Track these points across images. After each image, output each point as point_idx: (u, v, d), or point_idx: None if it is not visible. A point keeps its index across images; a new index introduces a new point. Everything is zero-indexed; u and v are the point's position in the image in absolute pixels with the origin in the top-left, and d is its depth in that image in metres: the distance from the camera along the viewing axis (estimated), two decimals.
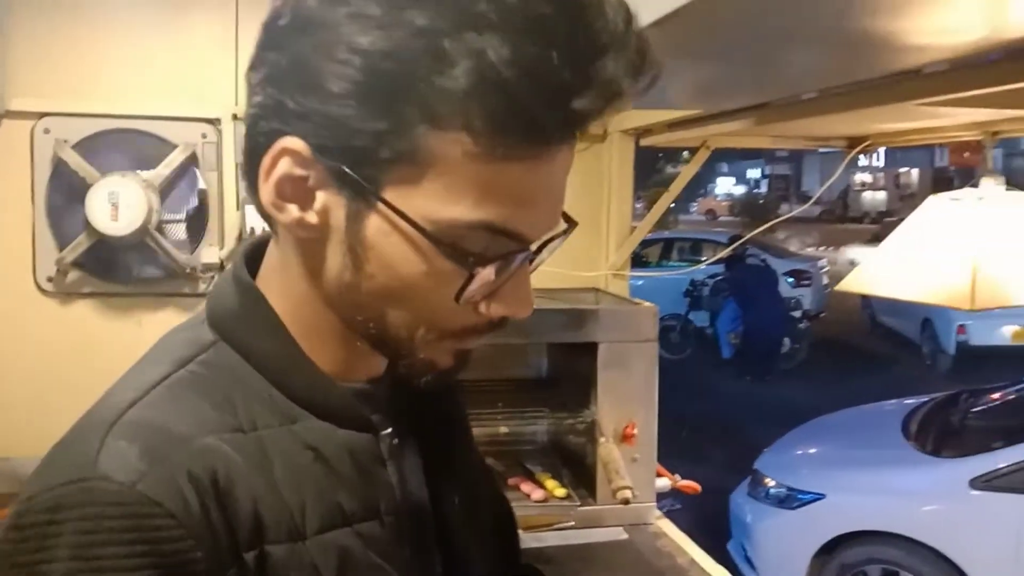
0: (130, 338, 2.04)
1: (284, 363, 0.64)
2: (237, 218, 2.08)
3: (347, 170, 0.56)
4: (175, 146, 2.04)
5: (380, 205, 0.56)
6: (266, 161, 0.58)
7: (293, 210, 0.59)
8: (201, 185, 2.07)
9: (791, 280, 10.80)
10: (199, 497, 0.55)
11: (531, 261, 0.61)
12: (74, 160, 1.97)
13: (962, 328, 8.74)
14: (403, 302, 0.60)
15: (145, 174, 2.01)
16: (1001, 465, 3.61)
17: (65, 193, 2.02)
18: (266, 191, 0.59)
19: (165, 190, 2.04)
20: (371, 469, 0.66)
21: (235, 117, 2.05)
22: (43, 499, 0.54)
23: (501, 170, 0.55)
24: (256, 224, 2.05)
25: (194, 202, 2.07)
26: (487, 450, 2.20)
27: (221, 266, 2.06)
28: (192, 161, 2.05)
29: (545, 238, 0.61)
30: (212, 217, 2.09)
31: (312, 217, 0.59)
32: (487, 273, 0.58)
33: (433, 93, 0.52)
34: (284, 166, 0.57)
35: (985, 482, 3.61)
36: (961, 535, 3.65)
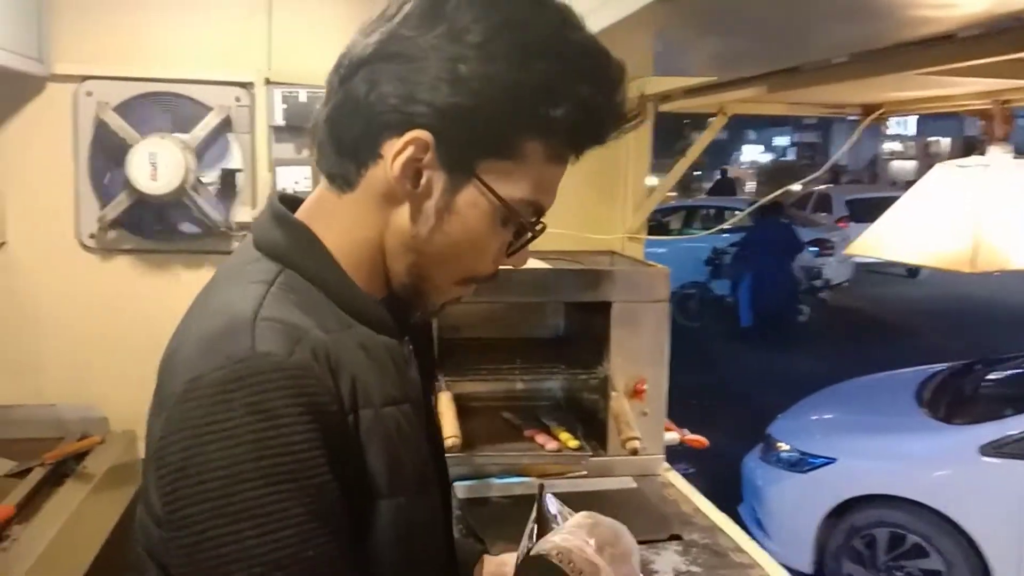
0: (167, 293, 2.15)
1: (338, 285, 0.82)
2: (268, 178, 2.17)
3: (455, 158, 0.78)
4: (210, 109, 2.13)
5: (476, 182, 0.79)
6: (398, 144, 0.77)
7: (407, 185, 0.79)
8: (234, 148, 2.16)
9: (815, 249, 10.75)
10: (329, 368, 0.74)
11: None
12: (115, 122, 2.07)
13: None
14: (459, 254, 0.83)
15: (182, 136, 2.10)
16: (1011, 432, 3.66)
17: (106, 153, 2.12)
18: (395, 167, 0.78)
19: (201, 151, 2.14)
20: (402, 366, 0.85)
21: (267, 81, 2.14)
22: (214, 376, 0.71)
23: (552, 169, 0.82)
24: (287, 184, 2.14)
25: (228, 164, 2.16)
26: (505, 404, 2.30)
27: None
28: (226, 124, 2.14)
29: (550, 206, 0.85)
30: (244, 178, 2.18)
31: (415, 187, 0.79)
32: (535, 231, 0.84)
33: (540, 120, 0.77)
34: (410, 152, 0.77)
35: (995, 448, 3.65)
36: (969, 500, 3.71)
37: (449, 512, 1.00)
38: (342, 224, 0.83)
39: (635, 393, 1.96)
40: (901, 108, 2.11)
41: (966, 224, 1.59)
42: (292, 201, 0.89)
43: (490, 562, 1.22)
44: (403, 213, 0.81)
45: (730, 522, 1.80)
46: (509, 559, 1.19)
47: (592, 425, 2.10)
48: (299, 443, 0.70)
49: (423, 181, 0.79)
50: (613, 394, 1.94)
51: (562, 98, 0.77)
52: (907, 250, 1.71)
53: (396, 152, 0.77)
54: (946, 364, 4.87)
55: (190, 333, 0.78)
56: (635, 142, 2.35)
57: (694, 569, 1.56)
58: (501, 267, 0.87)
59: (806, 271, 9.96)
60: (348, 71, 0.80)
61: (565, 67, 0.77)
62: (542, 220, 0.85)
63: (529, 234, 0.85)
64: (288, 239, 0.83)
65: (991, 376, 4.45)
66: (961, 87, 1.72)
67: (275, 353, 0.71)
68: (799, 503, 4.13)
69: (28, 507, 1.70)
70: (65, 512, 1.73)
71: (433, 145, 0.77)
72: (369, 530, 0.77)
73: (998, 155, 1.70)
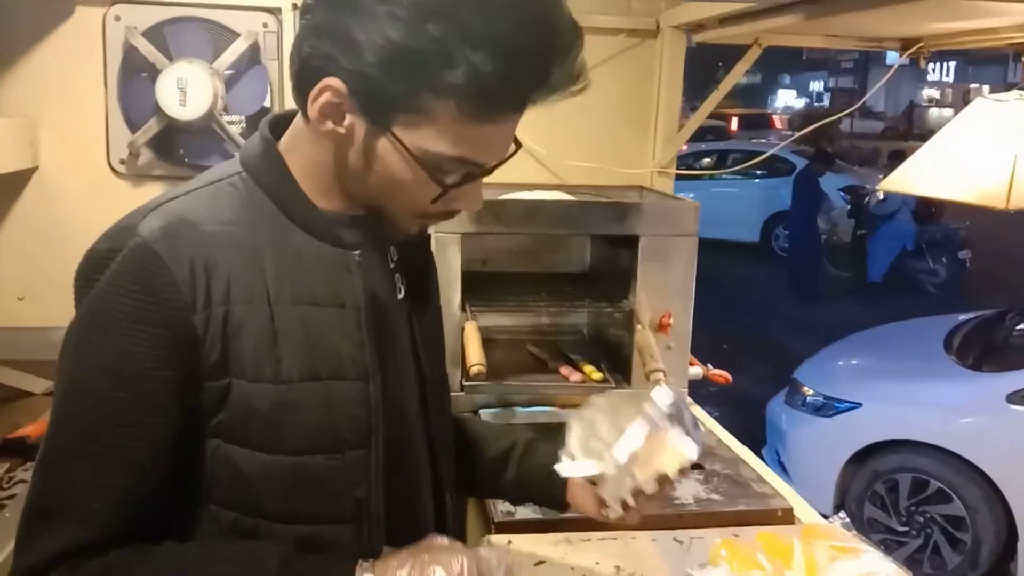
0: None
1: (286, 192, 0.91)
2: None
3: (369, 109, 0.83)
4: (238, 35, 2.12)
5: (389, 135, 0.83)
6: (314, 91, 0.83)
7: (329, 124, 0.85)
8: (262, 74, 2.15)
9: (847, 197, 10.58)
10: (190, 262, 0.83)
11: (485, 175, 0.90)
12: (144, 46, 2.06)
13: None
14: (393, 195, 0.88)
15: (211, 62, 2.09)
16: None
17: (135, 79, 2.12)
18: (312, 109, 0.84)
19: (229, 77, 2.13)
20: (340, 274, 0.91)
21: (294, 7, 2.11)
22: (100, 244, 0.86)
23: (474, 127, 0.83)
24: None
25: (256, 90, 2.16)
26: (530, 338, 2.31)
27: None
28: (254, 50, 2.13)
29: (496, 160, 0.88)
30: (272, 103, 2.18)
31: (341, 129, 0.85)
32: (452, 185, 0.87)
33: (439, 79, 0.78)
34: (327, 96, 0.83)
35: (1023, 397, 3.63)
36: (994, 447, 3.69)
37: (424, 405, 1.03)
38: (303, 147, 0.91)
39: (660, 326, 1.96)
40: (941, 42, 2.05)
41: (1002, 160, 1.56)
42: (289, 118, 0.95)
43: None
44: (342, 150, 0.87)
45: (752, 455, 1.81)
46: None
47: (616, 359, 2.11)
48: (127, 315, 0.81)
49: (346, 123, 0.84)
50: (638, 327, 1.94)
51: (457, 62, 0.78)
52: (941, 186, 1.68)
53: (314, 96, 0.83)
54: (976, 312, 4.81)
55: None
56: (667, 74, 2.31)
57: (715, 496, 1.58)
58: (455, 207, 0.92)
59: (829, 219, 9.70)
60: (303, 9, 0.86)
61: (459, 31, 0.77)
62: (480, 167, 0.87)
63: (464, 182, 0.88)
64: (258, 150, 0.93)
65: (1022, 325, 4.39)
66: (1004, 16, 1.67)
67: (142, 236, 0.83)
68: (822, 447, 4.14)
69: None
70: None
71: (347, 94, 0.82)
72: (225, 403, 0.85)
73: None
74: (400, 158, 0.84)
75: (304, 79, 0.84)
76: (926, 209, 8.77)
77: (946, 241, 8.93)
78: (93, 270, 0.84)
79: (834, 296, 8.71)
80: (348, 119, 0.84)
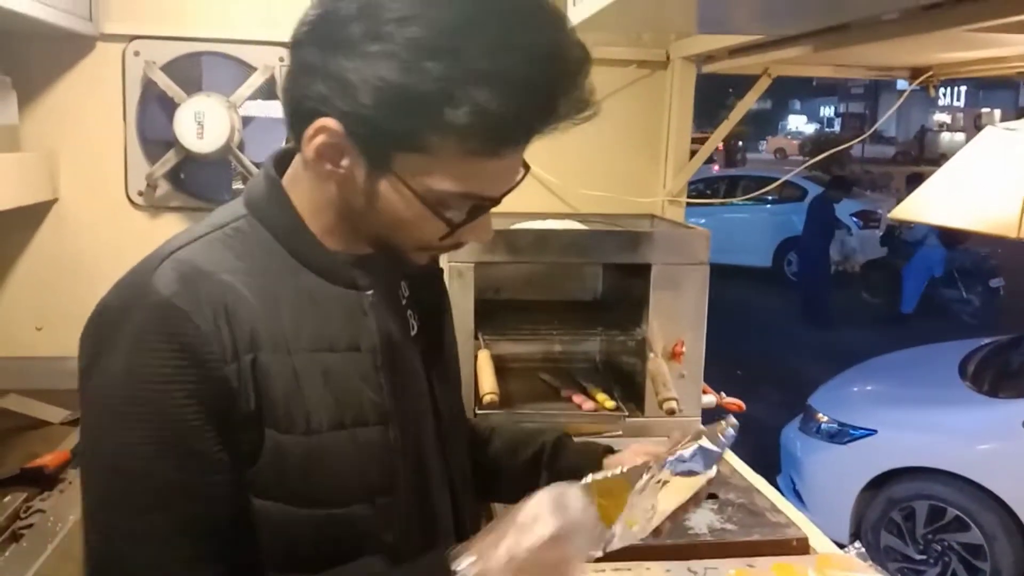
0: None
1: (293, 233, 0.88)
2: None
3: (368, 150, 0.80)
4: (255, 69, 2.15)
5: (391, 175, 0.81)
6: (309, 131, 0.80)
7: (327, 165, 0.83)
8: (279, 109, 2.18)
9: (859, 222, 10.58)
10: (212, 312, 0.80)
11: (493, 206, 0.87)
12: (163, 80, 2.10)
13: None
14: (399, 232, 0.86)
15: (228, 95, 2.13)
16: None
17: (154, 112, 2.15)
18: (308, 150, 0.82)
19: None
20: (354, 316, 0.89)
21: None
22: (111, 302, 0.83)
23: (479, 163, 0.80)
24: None
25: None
26: (542, 366, 2.32)
27: None
28: (271, 83, 2.16)
29: (505, 190, 0.85)
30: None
31: (340, 169, 0.83)
32: (459, 222, 0.85)
33: (441, 119, 0.75)
34: (322, 138, 0.80)
35: None
36: (1012, 474, 3.66)
37: (442, 443, 1.01)
38: (304, 185, 0.89)
39: (673, 355, 1.96)
40: (951, 71, 2.06)
41: (1014, 188, 1.56)
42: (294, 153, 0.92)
43: (610, 460, 1.13)
44: (342, 189, 0.85)
45: (766, 484, 1.80)
46: (622, 458, 1.10)
47: (629, 387, 2.11)
48: (161, 376, 0.77)
49: (344, 163, 0.82)
50: (651, 355, 1.95)
51: (459, 101, 0.75)
52: (952, 214, 1.68)
53: (309, 137, 0.81)
54: (991, 338, 4.79)
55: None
56: (677, 104, 2.33)
57: (729, 527, 1.57)
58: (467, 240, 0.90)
59: (840, 245, 9.70)
60: (292, 46, 0.83)
61: (460, 68, 0.74)
62: (489, 200, 0.85)
63: (470, 218, 0.86)
64: (262, 190, 0.90)
65: None
66: (1014, 47, 1.68)
67: (160, 292, 0.79)
68: (837, 474, 4.12)
69: None
70: None
71: (343, 134, 0.79)
72: (258, 456, 0.82)
73: None
74: (403, 197, 0.82)
75: (298, 119, 0.82)
76: (953, 235, 8.64)
77: (976, 269, 8.84)
78: (108, 328, 0.81)
79: (866, 324, 8.66)
80: (346, 160, 0.82)
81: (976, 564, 3.73)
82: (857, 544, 1.41)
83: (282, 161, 0.92)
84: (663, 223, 2.27)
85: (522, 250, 1.95)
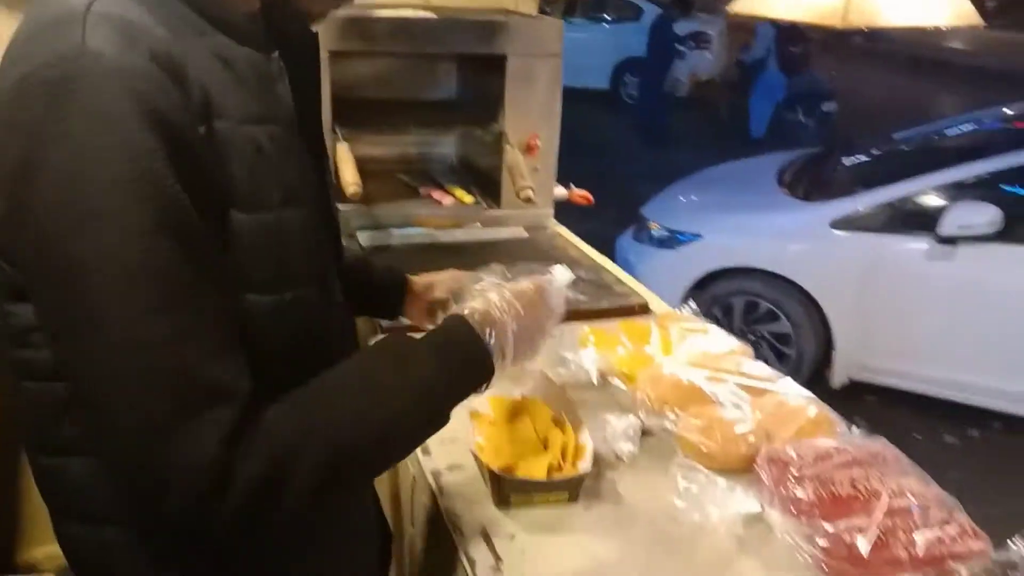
0: None
1: None
2: None
3: None
4: None
5: None
6: None
7: None
8: None
9: (692, 44, 10.77)
10: (167, 71, 0.69)
11: None
12: None
13: None
14: None
15: None
16: (860, 208, 4.00)
17: None
18: None
19: None
20: (268, 84, 0.82)
21: None
22: (43, 74, 0.66)
23: None
24: None
25: None
26: (399, 167, 2.34)
27: None
28: None
29: None
30: None
31: None
32: None
33: None
34: None
35: (845, 222, 4.00)
36: (818, 270, 4.08)
37: (334, 229, 1.05)
38: None
39: (528, 148, 2.04)
40: None
41: None
42: None
43: (415, 282, 1.32)
44: None
45: (611, 263, 1.96)
46: (435, 277, 1.31)
47: (486, 183, 2.19)
48: (142, 151, 0.65)
49: None
50: (507, 148, 2.01)
51: None
52: (781, 5, 1.80)
53: None
54: (808, 149, 5.18)
55: (26, 20, 0.73)
56: None
57: (581, 297, 1.72)
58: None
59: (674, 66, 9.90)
60: None
61: None
62: None
63: None
64: None
65: (848, 159, 4.78)
66: None
67: (107, 54, 0.66)
68: (668, 277, 4.43)
69: None
70: None
71: None
72: (228, 243, 0.74)
73: None
74: None
75: None
76: (791, 60, 9.00)
77: (812, 93, 9.26)
78: (46, 110, 0.65)
79: (714, 147, 8.97)
80: None
81: (784, 350, 4.21)
82: (691, 302, 1.60)
83: None
84: (516, 15, 2.28)
85: (377, 38, 1.92)
